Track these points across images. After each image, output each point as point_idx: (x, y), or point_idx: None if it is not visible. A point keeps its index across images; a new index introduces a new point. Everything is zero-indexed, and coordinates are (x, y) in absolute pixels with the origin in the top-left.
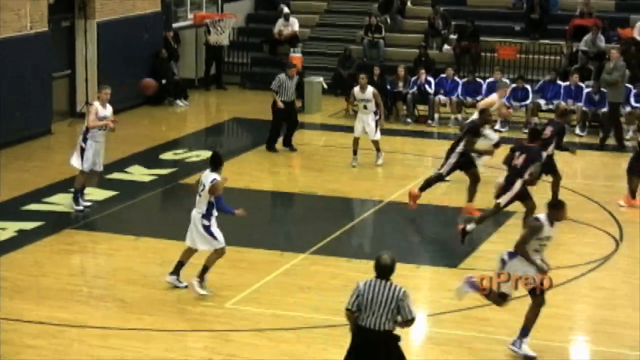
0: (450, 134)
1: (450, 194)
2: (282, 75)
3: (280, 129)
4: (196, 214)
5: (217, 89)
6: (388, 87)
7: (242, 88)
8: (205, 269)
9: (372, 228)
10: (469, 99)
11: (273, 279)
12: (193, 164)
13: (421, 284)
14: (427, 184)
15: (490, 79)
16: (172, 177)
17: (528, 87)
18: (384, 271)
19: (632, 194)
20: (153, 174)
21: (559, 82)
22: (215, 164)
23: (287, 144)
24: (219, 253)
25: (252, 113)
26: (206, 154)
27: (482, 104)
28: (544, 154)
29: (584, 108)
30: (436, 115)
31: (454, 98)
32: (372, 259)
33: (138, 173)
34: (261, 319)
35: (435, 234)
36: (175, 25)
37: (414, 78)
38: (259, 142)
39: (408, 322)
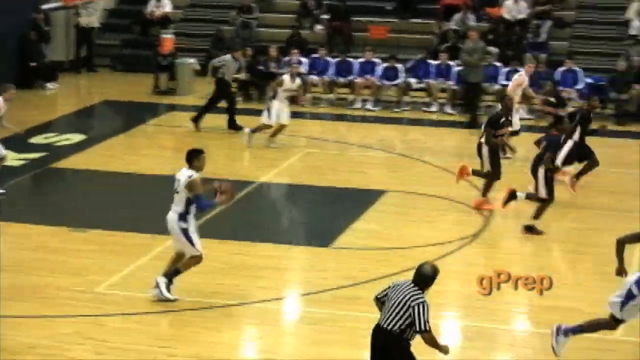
0: (322, 113)
1: (324, 173)
2: (228, 57)
3: (235, 105)
4: (172, 215)
5: (88, 71)
6: (261, 67)
7: (113, 70)
8: (176, 272)
9: (245, 209)
10: (341, 79)
11: (145, 263)
12: (63, 148)
13: (294, 264)
14: (486, 189)
15: (362, 59)
16: (42, 161)
17: (398, 66)
18: (420, 279)
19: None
20: (23, 159)
21: (430, 61)
22: (189, 159)
23: (197, 120)
24: (195, 260)
25: (123, 95)
26: (77, 137)
27: (512, 86)
28: (570, 142)
29: (453, 86)
30: (308, 95)
31: (326, 78)
32: (247, 240)
33: (8, 157)
34: (133, 302)
35: (307, 213)
36: (44, 7)
37: (286, 58)
38: (130, 124)
39: (418, 333)
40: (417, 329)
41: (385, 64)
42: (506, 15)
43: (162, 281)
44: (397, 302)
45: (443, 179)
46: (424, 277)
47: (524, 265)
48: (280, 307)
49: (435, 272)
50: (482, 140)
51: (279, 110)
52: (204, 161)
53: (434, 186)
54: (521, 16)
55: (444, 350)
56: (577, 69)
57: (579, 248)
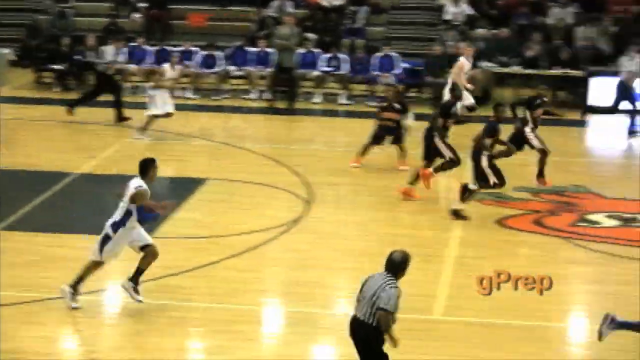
0: (141, 102)
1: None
2: (110, 47)
3: (93, 98)
4: (109, 221)
5: None
6: (78, 57)
7: None
8: (80, 280)
9: (62, 200)
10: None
11: None
12: None
13: None
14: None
15: (182, 47)
16: None
17: (217, 54)
18: (391, 266)
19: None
20: None
21: (249, 48)
22: (143, 170)
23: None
24: (94, 265)
25: None
26: None
27: (454, 74)
28: (529, 130)
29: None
30: (128, 84)
31: (144, 67)
32: (65, 232)
33: None
34: None
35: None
36: None
37: (104, 47)
38: None
39: (381, 314)
40: (380, 306)
41: (204, 52)
42: (323, 2)
43: (129, 285)
44: (371, 293)
45: (265, 166)
46: (394, 264)
47: (345, 250)
48: (101, 298)
49: (404, 258)
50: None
51: (163, 99)
52: (157, 170)
53: (255, 173)
54: (338, 2)
55: (394, 340)
56: (394, 54)
57: (395, 231)
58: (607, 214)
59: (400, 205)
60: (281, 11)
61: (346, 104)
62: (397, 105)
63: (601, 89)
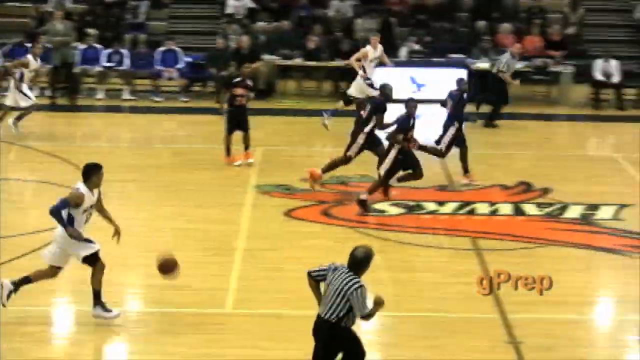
0: None
1: None
2: None
3: None
4: (62, 231)
5: None
6: None
7: None
8: (97, 294)
9: None
10: None
11: None
12: None
13: None
14: (332, 166)
15: None
16: None
17: None
18: (353, 263)
19: (228, 151)
20: None
21: (28, 44)
22: (87, 175)
23: None
24: (98, 269)
25: None
26: None
27: (353, 57)
28: (452, 129)
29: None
30: None
31: None
32: None
33: None
34: None
35: None
36: None
37: None
38: None
39: (362, 318)
40: (361, 315)
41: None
42: None
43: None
44: (334, 291)
45: (49, 164)
46: (356, 261)
47: (134, 247)
48: None
49: (366, 255)
50: (367, 129)
51: (26, 91)
52: (102, 177)
53: (39, 171)
54: None
55: (380, 306)
56: (177, 48)
57: (184, 225)
58: (391, 202)
59: (188, 200)
60: (60, 6)
61: (130, 100)
62: (249, 82)
63: (381, 80)
